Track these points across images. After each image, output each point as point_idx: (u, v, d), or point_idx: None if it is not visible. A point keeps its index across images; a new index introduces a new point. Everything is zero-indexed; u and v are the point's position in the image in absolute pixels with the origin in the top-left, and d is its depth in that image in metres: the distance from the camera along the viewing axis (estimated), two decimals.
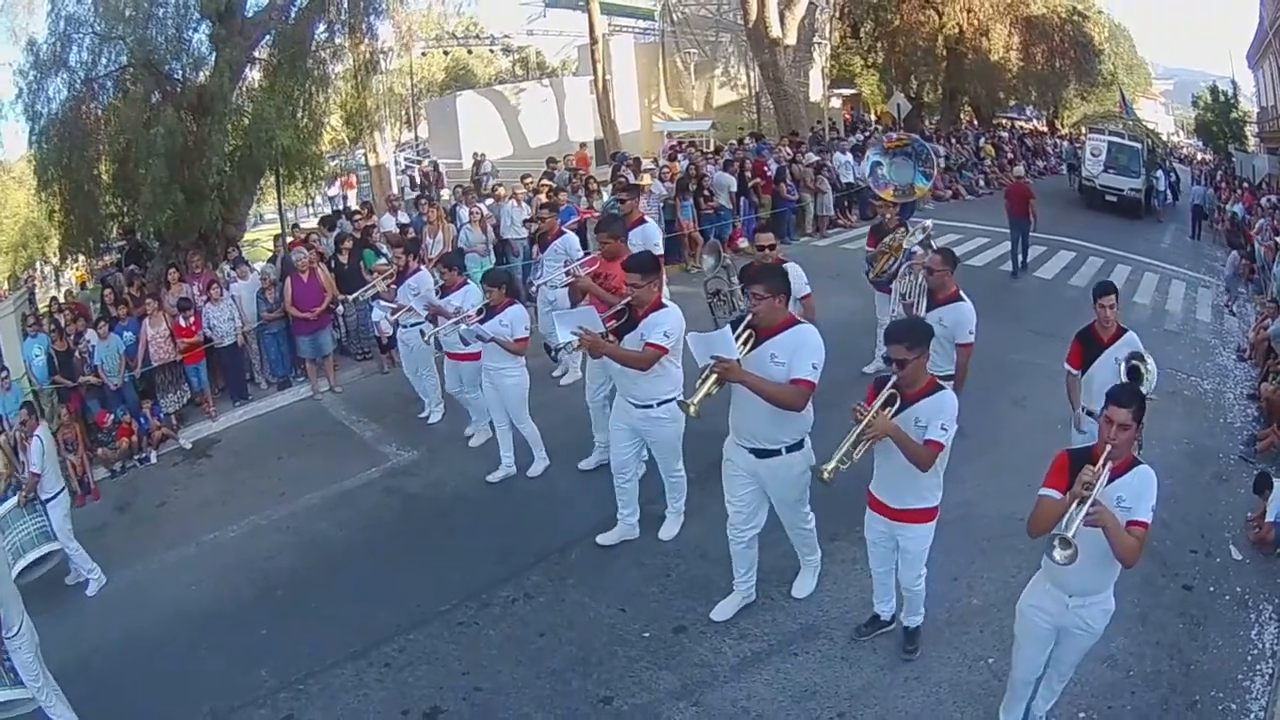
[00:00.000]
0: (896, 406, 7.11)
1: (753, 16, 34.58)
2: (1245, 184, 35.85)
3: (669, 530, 10.47)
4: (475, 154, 33.66)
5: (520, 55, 48.22)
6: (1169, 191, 38.21)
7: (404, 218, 20.91)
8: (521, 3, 41.09)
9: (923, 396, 7.15)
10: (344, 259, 17.94)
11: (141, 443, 15.68)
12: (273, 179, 23.55)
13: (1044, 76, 45.37)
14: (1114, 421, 6.07)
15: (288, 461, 14.21)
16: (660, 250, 12.51)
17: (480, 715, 8.14)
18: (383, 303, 14.18)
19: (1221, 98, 50.05)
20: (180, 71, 20.66)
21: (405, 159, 38.57)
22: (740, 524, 8.55)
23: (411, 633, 9.31)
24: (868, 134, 34.01)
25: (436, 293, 13.12)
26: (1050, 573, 6.39)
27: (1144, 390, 8.40)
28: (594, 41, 35.56)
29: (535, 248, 16.53)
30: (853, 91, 46.96)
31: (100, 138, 21.10)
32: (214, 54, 20.43)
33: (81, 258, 25.74)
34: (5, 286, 26.54)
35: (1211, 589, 9.64)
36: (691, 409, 7.62)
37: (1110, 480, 6.03)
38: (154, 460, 15.61)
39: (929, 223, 13.94)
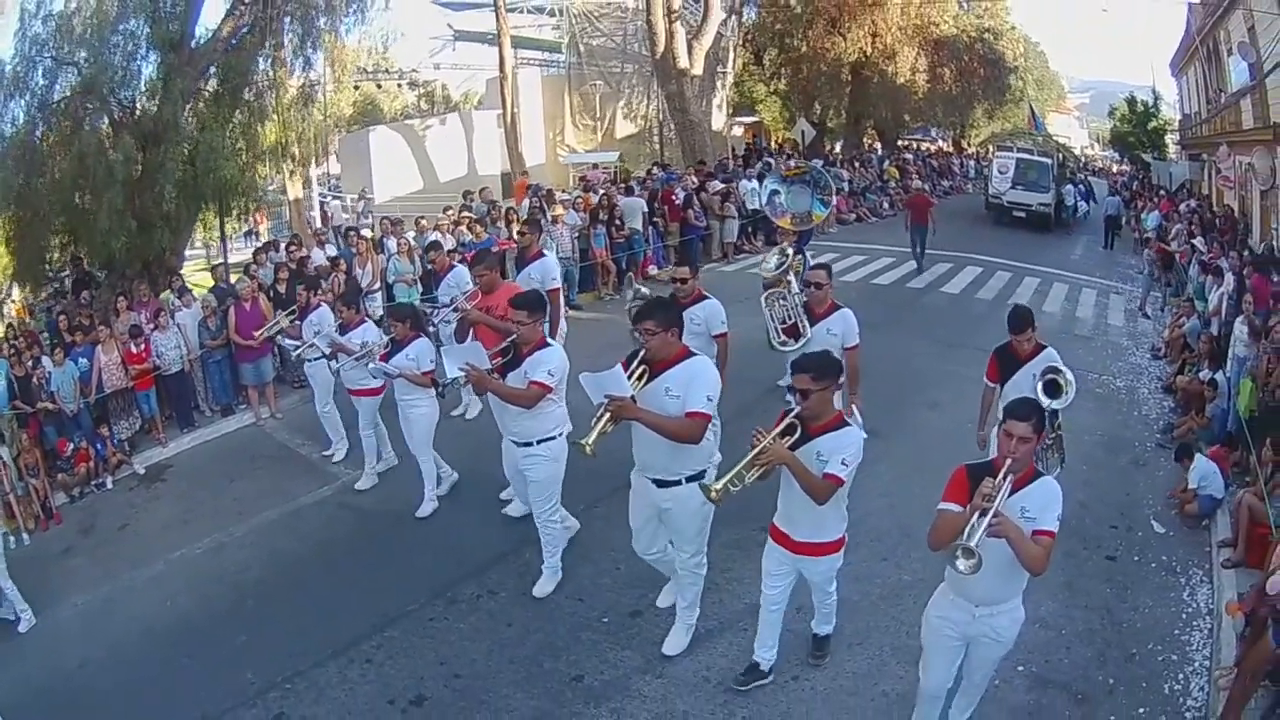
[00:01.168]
0: (798, 437, 6.99)
1: (660, 48, 34.76)
2: (1163, 191, 36.68)
3: (543, 587, 10.00)
4: (362, 191, 33.85)
5: (426, 89, 47.96)
6: (1081, 204, 38.89)
7: (331, 250, 20.96)
8: (431, 37, 40.91)
9: (828, 430, 6.99)
10: (281, 289, 17.85)
11: (98, 468, 15.41)
12: (211, 209, 23.43)
13: (952, 97, 45.98)
14: (1013, 435, 6.06)
15: (240, 483, 14.12)
16: (557, 285, 12.84)
17: (463, 699, 8.37)
18: (287, 340, 14.32)
19: (1140, 108, 51.04)
20: (132, 99, 20.91)
21: (319, 193, 38.56)
22: (642, 550, 8.58)
23: (387, 630, 9.45)
24: (767, 161, 34.06)
25: (337, 330, 13.03)
26: (955, 584, 6.36)
27: (1060, 405, 9.01)
28: (503, 75, 35.25)
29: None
30: (754, 119, 47.52)
31: (54, 164, 20.86)
32: (164, 83, 20.42)
33: (16, 292, 25.64)
34: None
35: (1136, 559, 10.45)
36: (587, 449, 7.49)
37: (1013, 492, 5.99)
38: (110, 485, 15.29)
39: (789, 249, 13.52)
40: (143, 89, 21.13)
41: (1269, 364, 13.11)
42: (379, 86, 46.08)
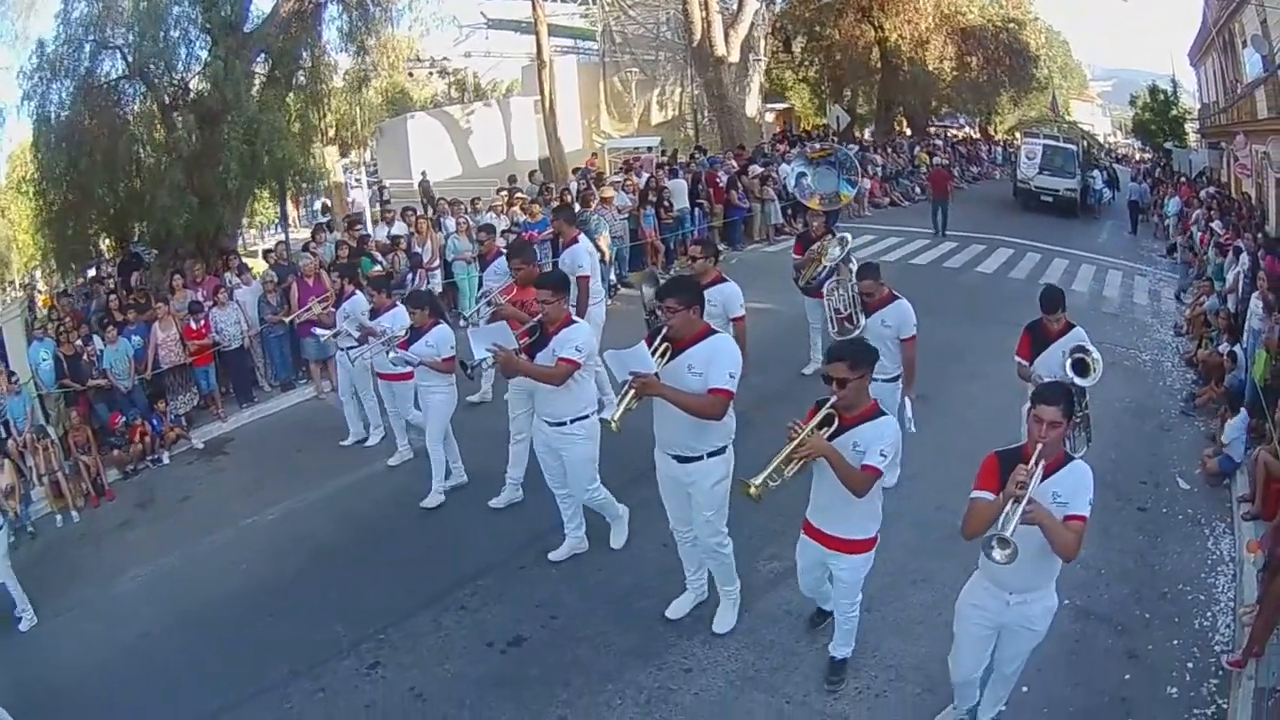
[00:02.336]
0: (834, 429, 6.97)
1: (698, 36, 35.27)
2: (1183, 178, 36.89)
3: (560, 553, 10.30)
4: (423, 174, 34.44)
5: (456, 77, 48.10)
6: (1106, 190, 39.03)
7: (398, 228, 21.23)
8: (463, 25, 41.31)
9: (863, 421, 6.95)
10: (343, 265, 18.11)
11: (154, 444, 15.72)
12: (269, 188, 23.84)
13: (979, 85, 46.07)
14: (1043, 420, 6.07)
15: (308, 454, 14.34)
16: (586, 272, 12.74)
17: (561, 637, 8.90)
18: (318, 329, 14.50)
19: (1161, 96, 50.82)
20: (184, 80, 21.17)
21: (354, 178, 37.67)
22: (679, 525, 8.63)
23: (479, 579, 9.96)
24: (801, 146, 33.82)
25: (368, 315, 13.15)
26: (989, 571, 6.37)
27: (1089, 382, 9.31)
28: (542, 63, 35.54)
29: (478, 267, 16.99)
30: (785, 106, 47.63)
31: (99, 145, 20.87)
32: (224, 64, 20.42)
33: (41, 282, 25.90)
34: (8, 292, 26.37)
35: (1164, 510, 11.36)
36: (613, 425, 7.78)
37: (1044, 478, 6.00)
38: (167, 461, 15.60)
39: (848, 235, 13.97)
40: (196, 70, 21.25)
41: None
42: (410, 75, 46.42)
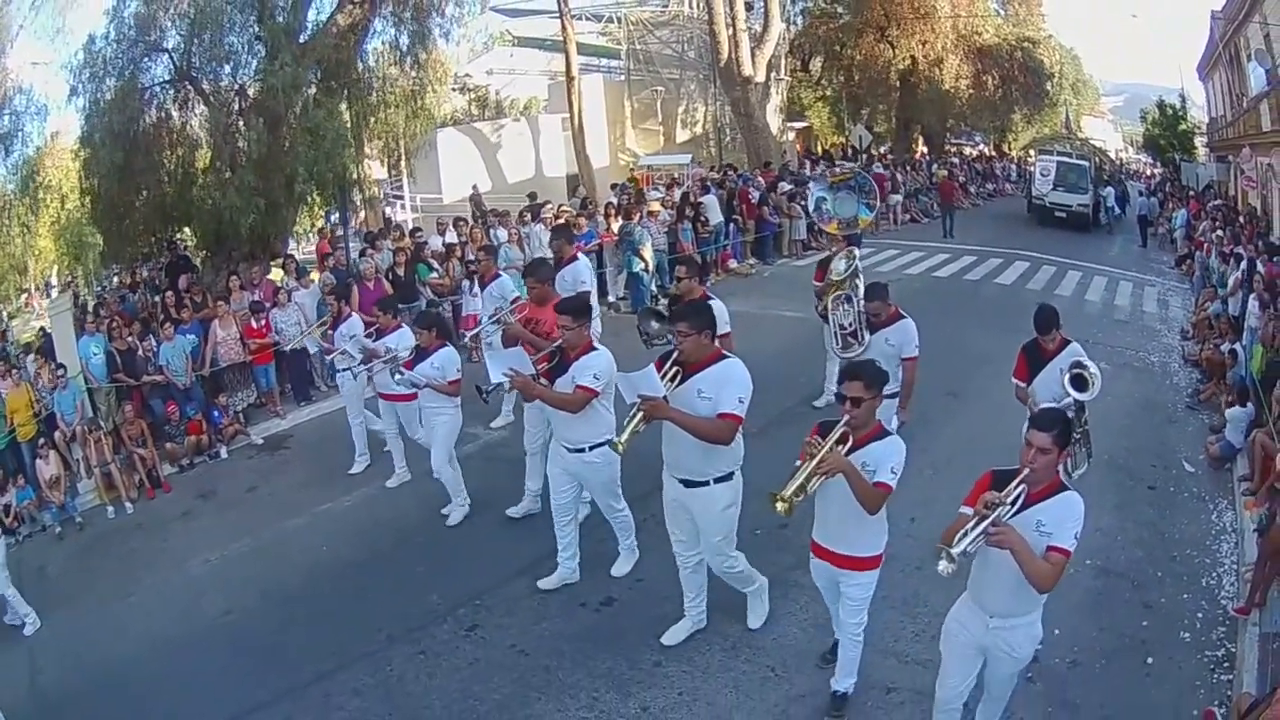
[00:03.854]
0: (847, 448, 6.90)
1: (724, 56, 36.22)
2: (1191, 192, 37.67)
3: (620, 568, 10.34)
4: (475, 187, 35.04)
5: (477, 94, 48.77)
6: (1117, 205, 39.71)
7: (450, 237, 21.94)
8: (486, 42, 41.62)
9: (871, 440, 6.96)
10: (400, 271, 19.25)
11: (212, 439, 16.25)
12: (326, 195, 24.22)
13: (994, 103, 46.63)
14: (1034, 445, 6.04)
15: (376, 448, 14.22)
16: (588, 288, 12.66)
17: (648, 598, 9.53)
18: (322, 346, 14.87)
19: (1170, 111, 51.29)
20: (240, 85, 22.00)
21: (387, 191, 38.67)
22: (682, 550, 8.62)
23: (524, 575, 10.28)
24: (828, 165, 34.66)
25: (372, 336, 13.02)
26: (973, 590, 6.42)
27: (1088, 396, 9.35)
28: (570, 80, 36.11)
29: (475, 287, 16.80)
30: (804, 125, 48.32)
31: (155, 145, 21.98)
32: (288, 72, 20.91)
33: (83, 284, 26.13)
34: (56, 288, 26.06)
35: (1172, 489, 12.56)
36: (619, 447, 7.88)
37: (1030, 504, 6.01)
38: (225, 455, 16.11)
39: (856, 249, 13.89)
40: (253, 76, 21.85)
41: (1275, 330, 15.39)
42: (434, 91, 46.76)
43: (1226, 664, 8.77)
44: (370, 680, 9.06)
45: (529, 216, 23.11)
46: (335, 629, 10.00)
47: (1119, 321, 22.06)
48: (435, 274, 19.54)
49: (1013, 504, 5.94)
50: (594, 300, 12.56)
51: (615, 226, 22.79)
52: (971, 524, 5.81)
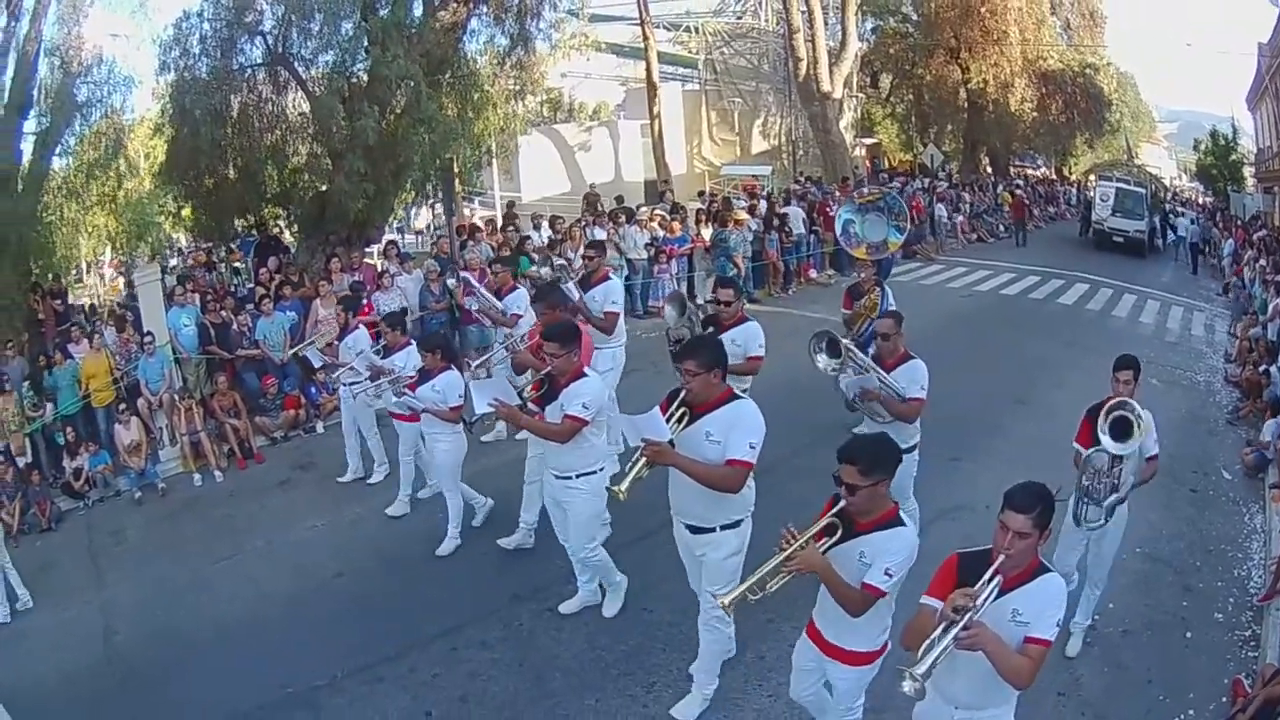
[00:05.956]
0: (839, 536, 6.16)
1: (803, 73, 37.47)
2: (1238, 221, 38.35)
3: (570, 606, 9.97)
4: (590, 185, 34.61)
5: (550, 96, 49.21)
6: (1171, 233, 40.35)
7: (547, 232, 22.95)
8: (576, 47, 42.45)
9: (877, 528, 6.08)
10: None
11: (308, 414, 16.72)
12: (434, 184, 25.97)
13: (1056, 127, 47.16)
14: (1009, 529, 5.28)
15: (479, 429, 14.12)
16: (617, 309, 12.41)
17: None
18: (324, 358, 14.00)
19: (1222, 141, 51.52)
20: (353, 75, 22.22)
21: (466, 189, 37.78)
22: (696, 585, 8.15)
23: (643, 540, 10.62)
24: (902, 181, 35.92)
25: (379, 353, 12.52)
26: (937, 676, 5.19)
27: (1128, 449, 8.24)
28: (652, 88, 37.42)
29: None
30: (873, 141, 48.80)
31: (252, 126, 22.84)
32: (400, 62, 21.16)
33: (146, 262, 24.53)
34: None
35: (1211, 493, 13.79)
36: (620, 494, 7.28)
37: (1005, 591, 5.32)
38: (321, 430, 16.55)
39: (888, 291, 14.18)
40: (361, 66, 22.16)
41: None
42: (532, 93, 46.69)
43: (1253, 643, 9.82)
44: (499, 634, 9.62)
45: (623, 218, 23.63)
46: (459, 590, 10.55)
47: (1169, 343, 23.37)
48: (533, 267, 19.77)
49: (986, 599, 5.21)
50: (622, 323, 12.71)
51: (706, 233, 24.01)
52: (937, 632, 5.12)
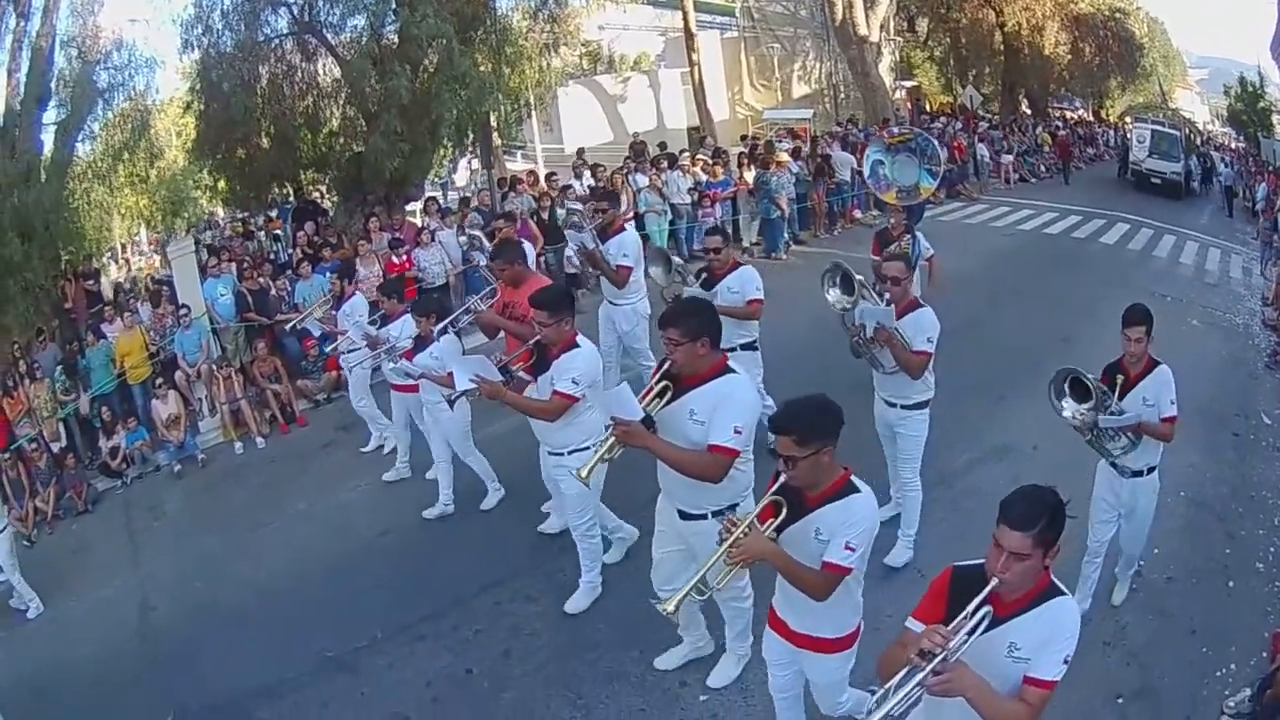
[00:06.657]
0: (787, 515, 5.60)
1: (839, 17, 37.42)
2: (1271, 168, 38.29)
3: (577, 603, 9.43)
4: (632, 135, 34.30)
5: (588, 48, 49.14)
6: (1213, 178, 40.41)
7: (589, 180, 22.68)
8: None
9: (828, 500, 5.50)
10: (544, 215, 20.27)
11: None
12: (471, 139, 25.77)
13: (1091, 70, 47.02)
14: (1004, 548, 4.41)
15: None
16: (629, 263, 11.64)
17: None
18: (323, 327, 13.84)
19: (1250, 88, 51.81)
20: (375, 32, 22.34)
21: (505, 143, 38.17)
22: (660, 583, 7.51)
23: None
24: (944, 122, 36.32)
25: (376, 322, 12.34)
26: (927, 708, 4.63)
27: (1077, 413, 7.93)
28: (690, 36, 36.97)
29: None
30: (913, 84, 48.29)
31: (282, 94, 23.07)
32: (431, 21, 21.15)
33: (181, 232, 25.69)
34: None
35: (1253, 437, 13.75)
36: (582, 473, 6.88)
37: (1000, 621, 4.50)
38: None
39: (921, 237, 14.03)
40: (391, 27, 22.23)
41: None
42: (567, 46, 46.45)
43: None
44: (544, 587, 9.73)
45: (665, 163, 23.80)
46: (503, 546, 10.65)
47: (1209, 285, 23.57)
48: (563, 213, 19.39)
49: (972, 632, 4.38)
50: (638, 275, 11.96)
51: (749, 176, 24.26)
52: (897, 678, 4.33)
